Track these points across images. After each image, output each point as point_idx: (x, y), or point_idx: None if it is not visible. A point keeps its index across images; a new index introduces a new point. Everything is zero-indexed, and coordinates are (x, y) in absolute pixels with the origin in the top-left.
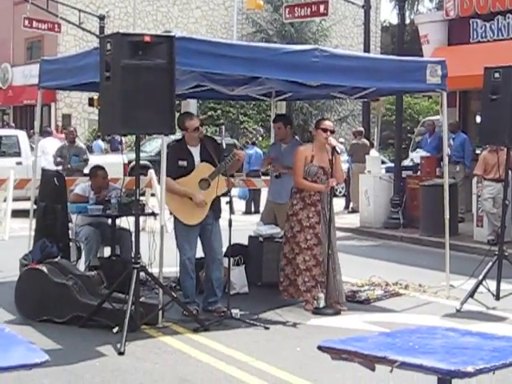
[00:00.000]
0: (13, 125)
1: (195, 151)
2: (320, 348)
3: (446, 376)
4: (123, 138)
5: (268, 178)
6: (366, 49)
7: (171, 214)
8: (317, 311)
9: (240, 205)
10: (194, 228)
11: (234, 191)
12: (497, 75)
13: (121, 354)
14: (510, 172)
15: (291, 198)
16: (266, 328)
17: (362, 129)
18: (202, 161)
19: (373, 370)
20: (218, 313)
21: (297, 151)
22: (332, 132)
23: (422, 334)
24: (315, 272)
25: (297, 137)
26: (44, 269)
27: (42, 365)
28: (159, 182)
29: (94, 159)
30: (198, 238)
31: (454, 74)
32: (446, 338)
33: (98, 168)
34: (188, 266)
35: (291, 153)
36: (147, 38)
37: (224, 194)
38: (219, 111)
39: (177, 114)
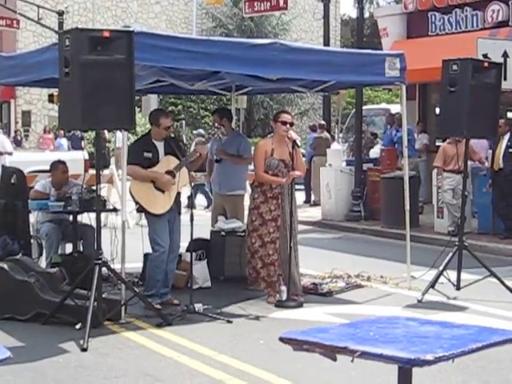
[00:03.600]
0: None
1: (160, 145)
2: (282, 339)
3: (406, 365)
4: (84, 135)
5: None
6: (326, 42)
7: (137, 204)
8: (279, 304)
9: (202, 199)
10: (162, 218)
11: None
12: (455, 67)
13: (84, 350)
14: (469, 163)
15: (252, 191)
16: (229, 322)
17: (323, 122)
18: (166, 154)
19: (334, 360)
20: (171, 304)
21: (257, 145)
22: (291, 124)
23: (382, 324)
24: (277, 264)
25: (237, 129)
26: (5, 266)
27: (3, 362)
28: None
29: (55, 156)
30: None
31: (413, 66)
32: (406, 328)
33: (59, 162)
34: (162, 257)
35: (231, 145)
36: (106, 34)
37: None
38: (180, 106)
39: (137, 109)
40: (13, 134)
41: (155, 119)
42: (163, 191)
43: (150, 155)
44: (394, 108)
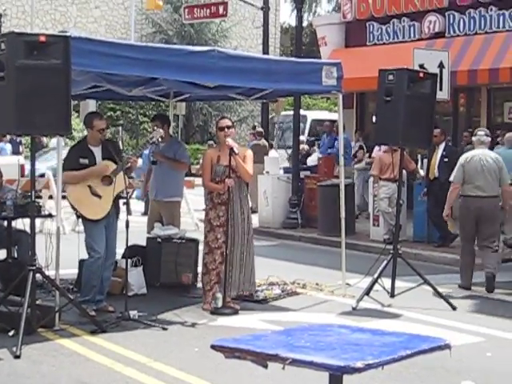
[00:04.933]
0: None
1: (96, 150)
2: (213, 347)
3: (336, 372)
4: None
5: None
6: (265, 50)
7: (74, 210)
8: (215, 311)
9: (139, 206)
10: (98, 224)
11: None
12: (391, 77)
13: (17, 357)
14: (403, 172)
15: (205, 199)
16: (164, 329)
17: (261, 129)
18: (103, 159)
19: (265, 367)
20: (106, 311)
21: (204, 154)
22: (229, 127)
23: (314, 332)
24: (220, 269)
25: (175, 135)
26: None
27: None
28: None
29: None
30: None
31: (351, 75)
32: (337, 335)
33: None
34: (97, 262)
35: (168, 150)
36: (42, 38)
37: (121, 197)
38: (118, 112)
39: (75, 114)
40: None
41: (89, 121)
42: (100, 196)
43: (86, 161)
44: (315, 114)
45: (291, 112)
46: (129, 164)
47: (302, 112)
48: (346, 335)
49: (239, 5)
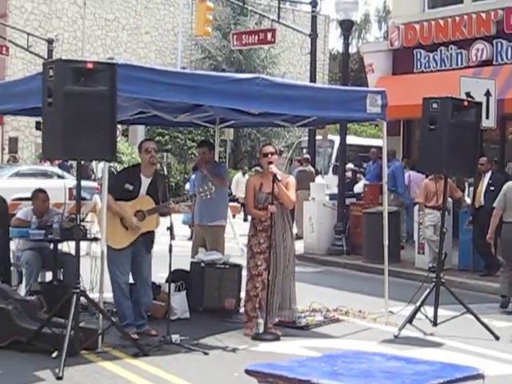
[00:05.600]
0: None
1: (145, 181)
2: (247, 372)
3: None
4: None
5: None
6: (313, 77)
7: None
8: (256, 336)
9: (185, 231)
10: (121, 252)
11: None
12: (435, 105)
13: (59, 378)
14: (449, 200)
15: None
16: (206, 353)
17: (307, 156)
18: (148, 193)
19: None
20: (148, 335)
21: (247, 182)
22: (272, 154)
23: (348, 359)
24: (262, 296)
25: (223, 160)
26: None
27: None
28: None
29: (37, 183)
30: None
31: (398, 102)
32: (370, 362)
33: (39, 191)
34: (122, 288)
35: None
36: (89, 65)
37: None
38: (167, 136)
39: (124, 139)
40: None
41: (139, 145)
42: (127, 228)
43: (131, 187)
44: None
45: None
46: (166, 210)
47: (329, 137)
48: (379, 363)
49: (288, 31)
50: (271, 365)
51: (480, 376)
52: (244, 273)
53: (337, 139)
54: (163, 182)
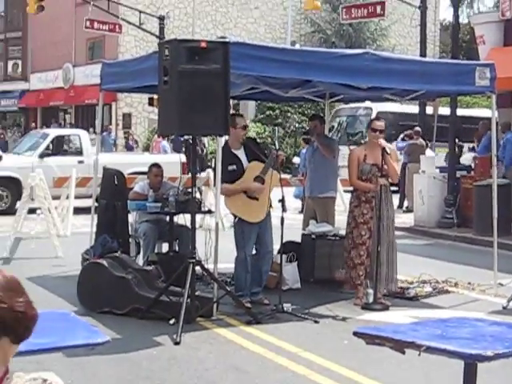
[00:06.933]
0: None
1: (240, 153)
2: (355, 334)
3: (467, 359)
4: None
5: None
6: (423, 49)
7: (235, 217)
8: (366, 306)
9: (297, 203)
10: (255, 226)
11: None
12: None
13: (177, 343)
14: None
15: (351, 196)
16: (316, 322)
17: (418, 129)
18: (249, 161)
19: (403, 353)
20: (261, 303)
21: (350, 153)
22: (381, 131)
23: (451, 323)
24: (367, 264)
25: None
26: (105, 263)
27: (103, 344)
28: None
29: (154, 158)
30: None
31: (510, 74)
32: (473, 327)
33: (153, 165)
34: (247, 261)
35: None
36: (203, 44)
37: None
38: (277, 111)
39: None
40: (123, 139)
41: (232, 121)
42: (257, 198)
43: (234, 167)
44: (381, 106)
45: (356, 104)
46: (275, 157)
47: (367, 104)
48: (481, 328)
49: (397, 3)
50: (378, 328)
51: None
52: None
53: (375, 106)
54: (253, 143)
